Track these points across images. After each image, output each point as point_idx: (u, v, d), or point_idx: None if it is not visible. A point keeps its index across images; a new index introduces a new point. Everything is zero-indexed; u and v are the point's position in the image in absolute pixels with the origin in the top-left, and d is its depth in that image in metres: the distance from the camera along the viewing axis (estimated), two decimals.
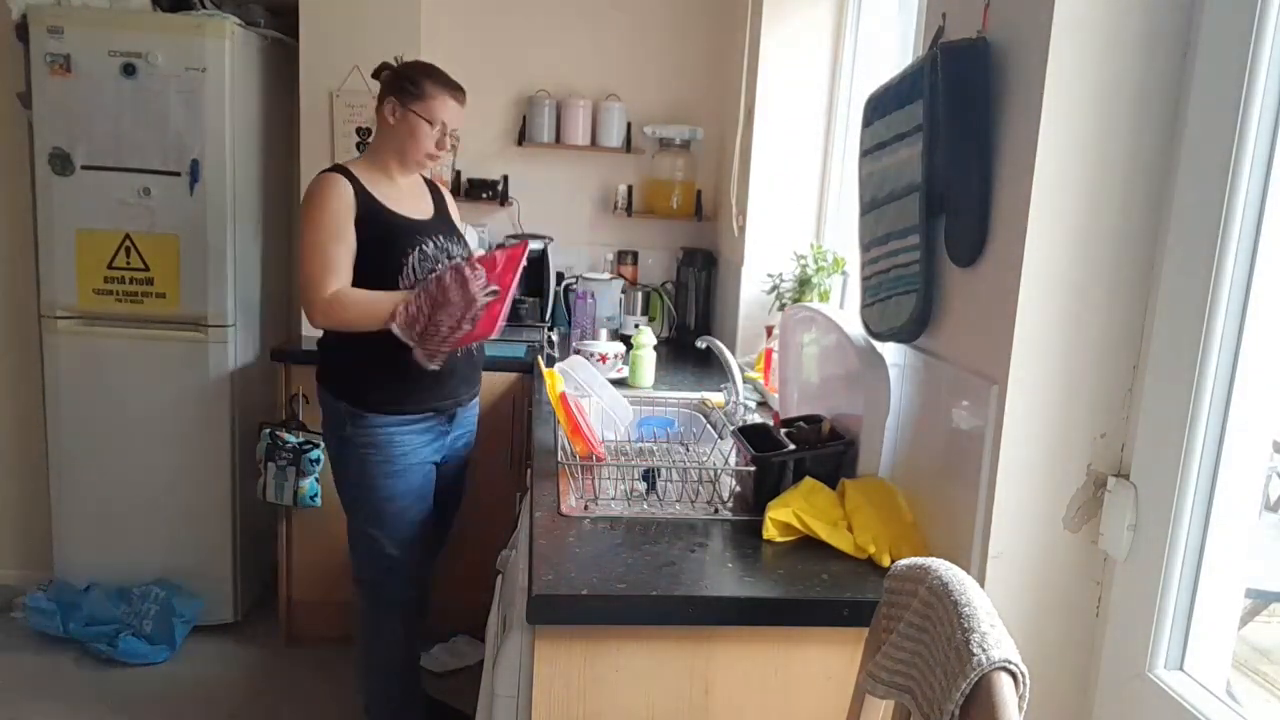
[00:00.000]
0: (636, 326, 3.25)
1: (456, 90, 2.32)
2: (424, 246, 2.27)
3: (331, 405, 2.31)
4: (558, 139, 3.45)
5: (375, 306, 2.17)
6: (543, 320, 3.37)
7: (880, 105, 1.67)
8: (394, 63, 2.38)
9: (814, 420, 1.89)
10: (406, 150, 2.29)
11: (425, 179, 2.48)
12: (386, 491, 2.30)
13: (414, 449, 2.31)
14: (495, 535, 2.45)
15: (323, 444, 2.40)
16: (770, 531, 1.59)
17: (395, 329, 2.13)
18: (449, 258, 2.31)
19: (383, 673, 2.44)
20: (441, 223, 2.40)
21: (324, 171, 2.27)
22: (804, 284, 2.71)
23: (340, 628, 3.04)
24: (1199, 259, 1.20)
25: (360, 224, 2.21)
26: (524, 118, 3.47)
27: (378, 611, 2.42)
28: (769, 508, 1.63)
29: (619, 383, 2.77)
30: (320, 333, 2.32)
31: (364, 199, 2.23)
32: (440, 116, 2.27)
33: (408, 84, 2.27)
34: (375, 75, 2.38)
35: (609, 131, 3.45)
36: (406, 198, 2.35)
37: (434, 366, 2.18)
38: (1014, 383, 1.32)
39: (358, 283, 2.20)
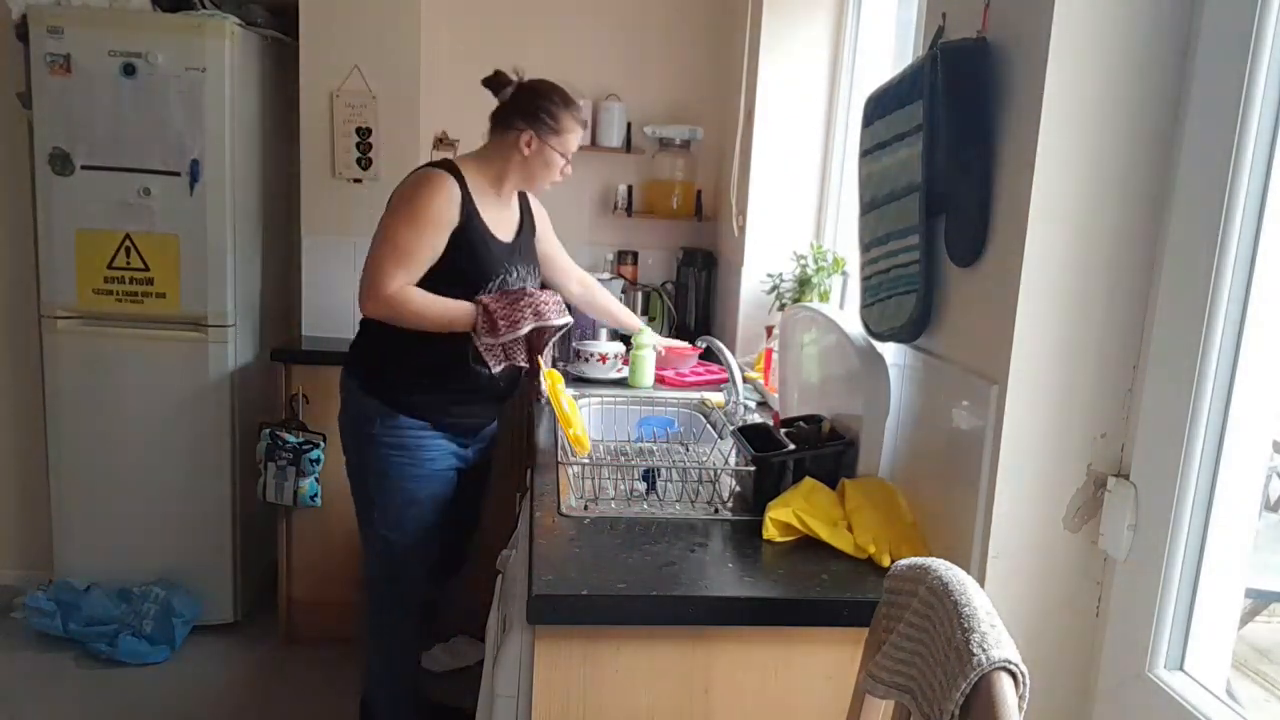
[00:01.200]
0: None
1: (582, 113, 2.33)
2: (507, 276, 2.24)
3: (360, 400, 2.24)
4: None
5: (445, 311, 2.13)
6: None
7: (880, 105, 1.67)
8: (515, 77, 2.30)
9: (814, 420, 1.89)
10: (535, 179, 2.29)
11: (520, 193, 2.43)
12: (408, 495, 2.25)
13: (441, 455, 2.27)
14: (495, 535, 2.46)
15: (342, 439, 2.33)
16: (770, 531, 1.59)
17: (479, 324, 2.13)
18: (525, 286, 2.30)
19: (386, 675, 2.42)
20: (524, 246, 2.36)
21: (435, 167, 2.19)
22: (804, 284, 2.71)
23: (340, 628, 3.05)
24: (1199, 259, 1.20)
25: (457, 236, 2.15)
26: None
27: (384, 615, 2.38)
28: (769, 508, 1.63)
29: (619, 383, 2.77)
30: (357, 321, 2.28)
31: (468, 212, 2.17)
32: (573, 149, 2.29)
33: (548, 119, 2.23)
34: (491, 87, 2.29)
35: (609, 131, 3.44)
36: (504, 214, 2.31)
37: (496, 369, 2.19)
38: (1014, 383, 1.32)
39: (432, 291, 2.15)
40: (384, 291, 2.10)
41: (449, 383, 2.22)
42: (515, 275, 2.27)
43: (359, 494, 2.31)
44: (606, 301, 2.76)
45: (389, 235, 2.13)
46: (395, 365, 2.21)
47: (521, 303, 2.18)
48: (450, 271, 2.16)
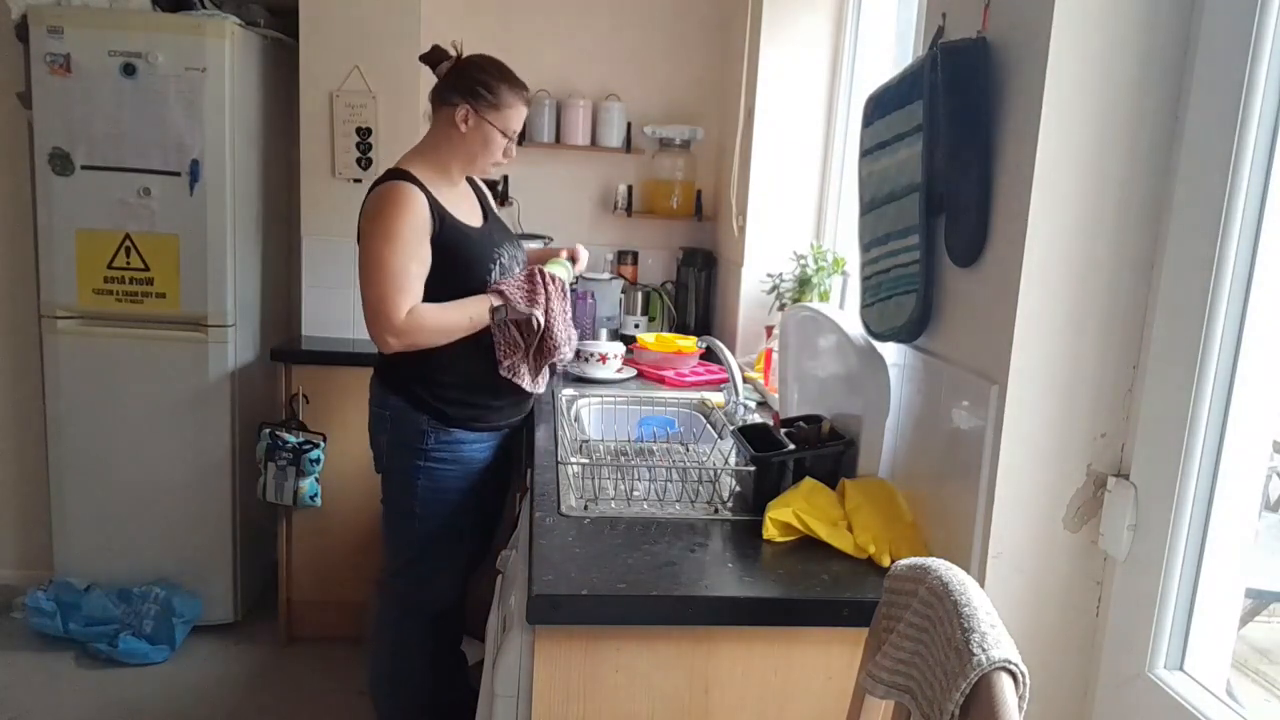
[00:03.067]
0: (636, 326, 3.26)
1: (526, 91, 2.21)
2: (501, 259, 2.19)
3: (410, 418, 2.17)
4: (558, 139, 3.45)
5: (461, 310, 2.09)
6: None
7: (880, 105, 1.67)
8: (454, 51, 2.19)
9: (814, 420, 1.89)
10: (476, 159, 2.19)
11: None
12: (456, 504, 2.22)
13: (484, 460, 2.26)
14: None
15: (383, 457, 2.25)
16: (770, 531, 1.59)
17: (512, 309, 2.11)
18: (518, 264, 2.25)
19: (396, 677, 2.39)
20: (495, 225, 2.30)
21: (392, 179, 2.10)
22: (804, 284, 2.71)
23: (340, 627, 3.05)
24: (1199, 259, 1.20)
25: (437, 241, 2.10)
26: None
27: (404, 618, 2.33)
28: (769, 508, 1.63)
29: (620, 383, 2.77)
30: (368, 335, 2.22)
31: (438, 213, 2.11)
32: (515, 126, 2.18)
33: (484, 91, 2.13)
34: (428, 62, 2.20)
35: (609, 131, 3.45)
36: (464, 202, 2.24)
37: (537, 388, 2.21)
38: (1014, 383, 1.32)
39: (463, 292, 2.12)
40: (396, 324, 2.03)
41: (493, 386, 2.19)
42: (506, 256, 2.22)
43: (398, 505, 2.26)
44: None
45: (375, 263, 2.04)
46: (443, 378, 2.16)
47: (529, 273, 2.18)
48: (445, 277, 2.11)
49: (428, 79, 3.23)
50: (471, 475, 2.25)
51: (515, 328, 2.19)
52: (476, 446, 2.24)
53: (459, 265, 2.13)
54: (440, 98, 2.18)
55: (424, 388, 2.17)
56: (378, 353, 2.18)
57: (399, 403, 2.19)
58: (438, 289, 2.10)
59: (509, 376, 2.18)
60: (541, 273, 2.20)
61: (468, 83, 2.14)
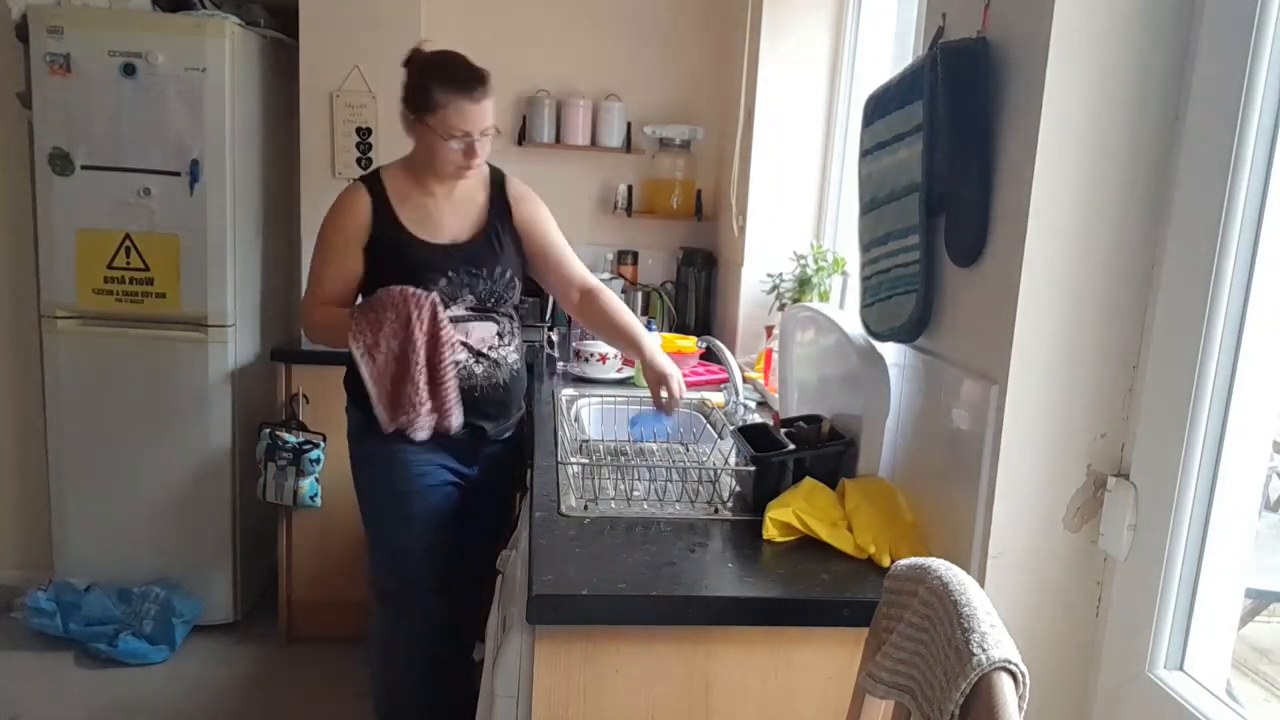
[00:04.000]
0: None
1: (471, 88, 2.00)
2: (446, 280, 2.06)
3: (353, 414, 2.21)
4: (558, 139, 3.45)
5: (331, 321, 2.08)
6: (543, 320, 3.37)
7: (880, 105, 1.67)
8: (421, 50, 2.10)
9: (814, 420, 1.89)
10: (434, 165, 2.06)
11: (495, 179, 2.22)
12: (402, 511, 2.17)
13: (432, 471, 2.16)
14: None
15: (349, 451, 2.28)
16: (770, 531, 1.59)
17: (355, 353, 2.00)
18: (476, 290, 2.11)
19: (380, 680, 2.38)
20: (480, 247, 2.14)
21: (356, 180, 2.15)
22: (804, 284, 2.71)
23: (340, 627, 3.05)
24: (1199, 259, 1.20)
25: (371, 248, 2.07)
26: (524, 118, 3.47)
27: (383, 623, 2.31)
28: (769, 508, 1.63)
29: (619, 383, 2.77)
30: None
31: (381, 220, 2.06)
32: (458, 126, 1.99)
33: (417, 93, 2.01)
34: (406, 66, 2.12)
35: (609, 131, 3.45)
36: (446, 214, 2.13)
37: (419, 434, 2.02)
38: (1014, 383, 1.32)
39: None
40: (305, 314, 2.18)
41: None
42: (459, 280, 2.08)
43: (361, 505, 2.27)
44: (613, 316, 2.25)
45: (315, 253, 2.16)
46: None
47: (383, 301, 1.98)
48: (381, 282, 2.02)
49: None
50: (423, 488, 2.16)
51: (373, 359, 2.00)
52: (419, 458, 2.13)
53: (389, 275, 2.03)
54: (404, 110, 2.11)
55: (360, 385, 2.09)
56: None
57: (348, 399, 2.24)
58: (368, 295, 2.08)
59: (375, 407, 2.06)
60: (412, 298, 1.97)
61: (405, 88, 2.07)
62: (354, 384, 2.15)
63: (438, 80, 2.01)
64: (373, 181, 2.13)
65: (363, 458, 2.22)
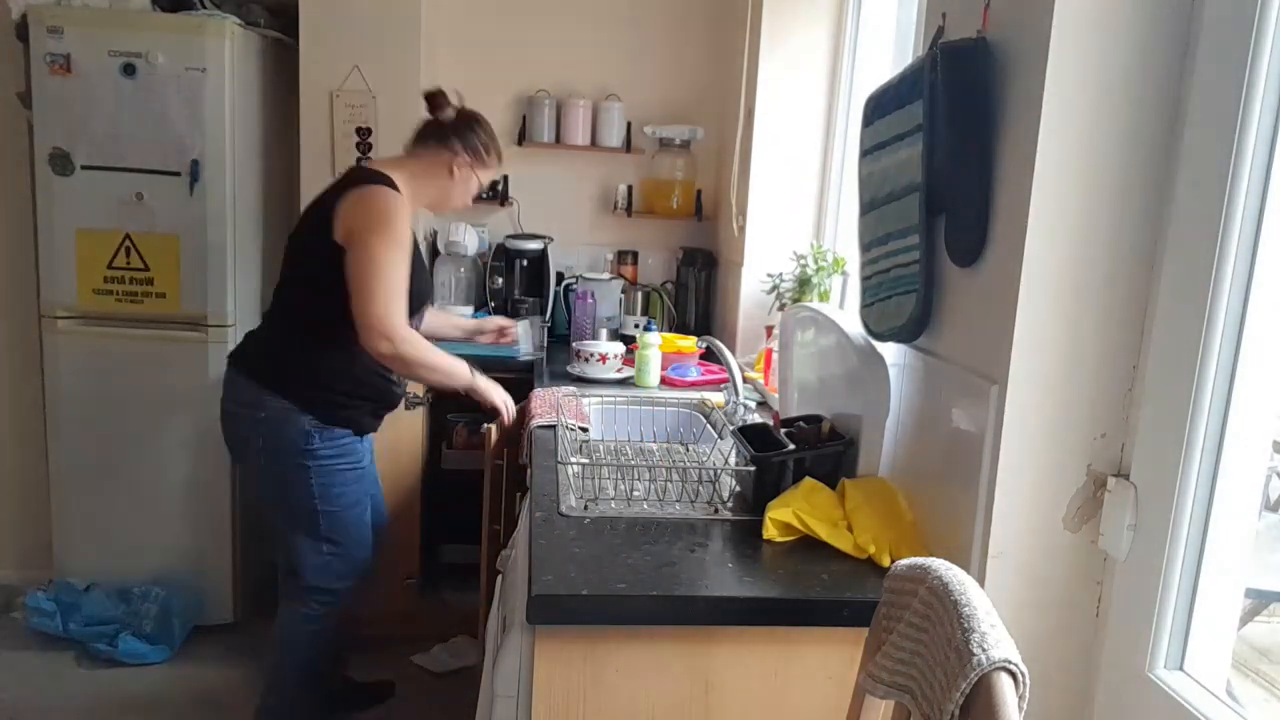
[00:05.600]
0: (636, 326, 3.26)
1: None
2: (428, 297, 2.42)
3: (296, 419, 2.20)
4: (558, 139, 3.45)
5: (449, 366, 2.26)
6: (543, 320, 3.37)
7: (880, 105, 1.67)
8: (456, 102, 2.32)
9: (814, 420, 1.89)
10: (448, 202, 2.34)
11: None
12: (351, 497, 2.32)
13: (364, 453, 2.37)
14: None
15: (265, 458, 2.28)
16: (770, 531, 1.59)
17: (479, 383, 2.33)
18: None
19: (304, 682, 2.44)
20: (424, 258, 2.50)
21: (388, 188, 2.15)
22: (804, 284, 2.71)
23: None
24: (1199, 259, 1.20)
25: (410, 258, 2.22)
26: (524, 118, 3.47)
27: (324, 621, 2.41)
28: (769, 508, 1.63)
29: (620, 383, 2.77)
30: (267, 332, 2.38)
31: (414, 233, 2.24)
32: (491, 179, 2.40)
33: (484, 151, 2.29)
34: (431, 103, 2.30)
35: (609, 131, 3.45)
36: None
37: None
38: (1014, 383, 1.32)
39: None
40: (400, 333, 2.08)
41: (376, 396, 2.32)
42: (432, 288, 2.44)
43: (295, 508, 2.28)
44: (444, 319, 2.75)
45: (382, 265, 2.06)
46: (333, 383, 2.23)
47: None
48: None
49: (428, 79, 3.24)
50: (361, 472, 2.35)
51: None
52: (357, 445, 2.32)
53: (414, 287, 2.20)
54: (439, 141, 2.28)
55: (314, 389, 2.21)
56: (241, 349, 2.39)
57: (280, 403, 2.21)
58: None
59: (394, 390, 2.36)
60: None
61: (473, 140, 2.28)
62: (304, 387, 2.22)
63: (498, 146, 2.36)
64: (396, 190, 2.19)
65: (308, 457, 2.23)
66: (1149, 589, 1.26)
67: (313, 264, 2.20)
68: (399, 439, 2.95)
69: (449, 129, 2.27)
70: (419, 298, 2.29)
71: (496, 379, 2.66)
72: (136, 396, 3.04)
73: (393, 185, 2.17)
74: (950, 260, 1.48)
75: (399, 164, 2.28)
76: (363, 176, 2.20)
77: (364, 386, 2.27)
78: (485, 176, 2.34)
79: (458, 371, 2.28)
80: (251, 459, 2.34)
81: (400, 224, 2.12)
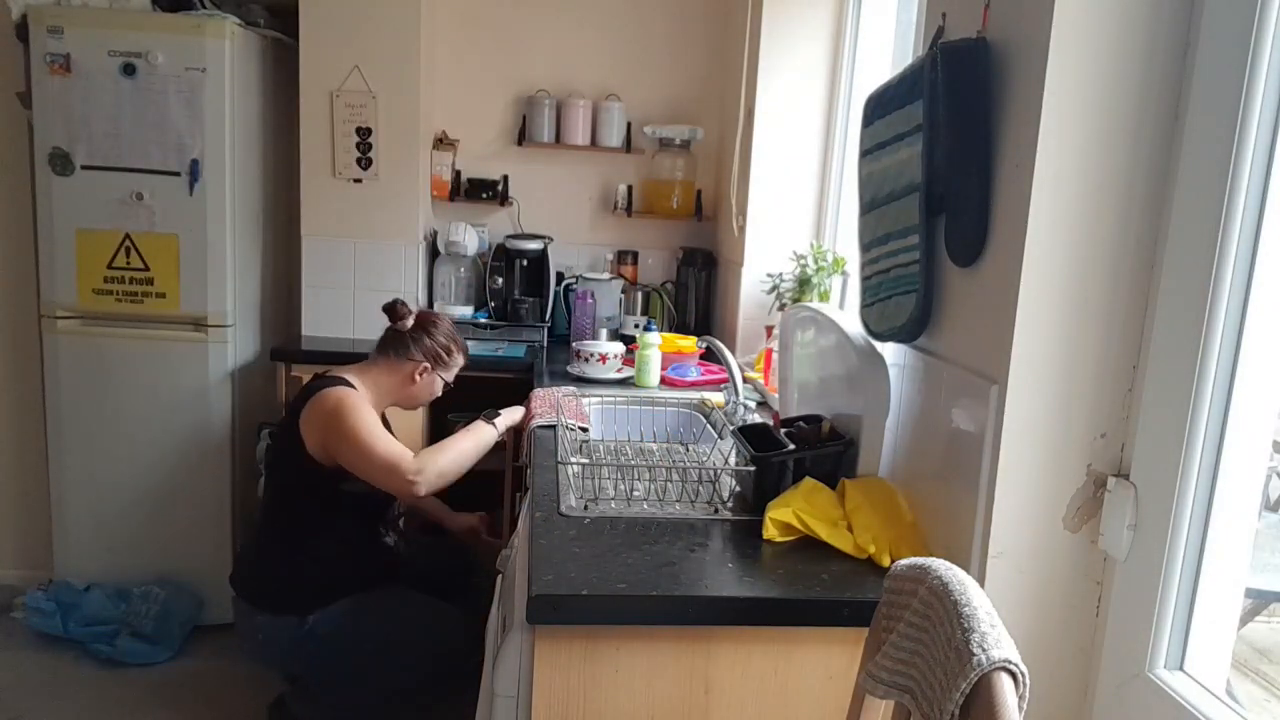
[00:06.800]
0: (636, 326, 3.26)
1: (466, 347, 2.54)
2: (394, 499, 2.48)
3: (294, 623, 2.31)
4: (558, 139, 3.46)
5: (476, 440, 2.33)
6: (543, 320, 3.37)
7: (880, 105, 1.67)
8: (406, 308, 2.43)
9: (814, 420, 1.89)
10: (414, 402, 2.50)
11: None
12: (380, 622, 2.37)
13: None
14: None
15: (288, 657, 2.43)
16: (770, 531, 1.59)
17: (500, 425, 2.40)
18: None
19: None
20: None
21: (342, 385, 2.31)
22: (804, 284, 2.71)
23: None
24: (1199, 259, 1.20)
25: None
26: (524, 118, 3.47)
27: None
28: (769, 508, 1.63)
29: (620, 383, 2.77)
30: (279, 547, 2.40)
31: None
32: (453, 376, 2.50)
33: (444, 355, 2.44)
34: (390, 314, 2.43)
35: (609, 131, 3.45)
36: None
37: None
38: (1014, 383, 1.32)
39: (352, 499, 2.33)
40: (414, 466, 2.20)
41: (361, 565, 2.42)
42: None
43: (346, 668, 2.36)
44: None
45: (365, 441, 2.21)
46: (320, 569, 2.34)
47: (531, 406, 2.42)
48: (352, 492, 2.30)
49: (428, 79, 3.25)
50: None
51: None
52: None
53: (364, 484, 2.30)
54: (400, 350, 2.42)
55: (309, 584, 2.33)
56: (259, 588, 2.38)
57: (287, 617, 2.32)
58: (344, 500, 2.33)
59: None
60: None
61: (432, 348, 2.43)
62: (301, 589, 2.33)
63: (458, 345, 2.50)
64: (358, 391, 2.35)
65: (332, 632, 2.32)
66: (1149, 589, 1.26)
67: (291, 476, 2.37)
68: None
69: (408, 337, 2.42)
70: (370, 502, 2.39)
71: (496, 379, 2.67)
72: (136, 396, 3.04)
73: (348, 385, 2.32)
74: (950, 260, 1.48)
75: (362, 370, 2.43)
76: (318, 385, 2.33)
77: (331, 556, 2.36)
78: (450, 374, 2.49)
79: (485, 439, 2.35)
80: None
81: (353, 405, 2.25)
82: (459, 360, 2.49)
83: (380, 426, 2.27)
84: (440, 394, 2.51)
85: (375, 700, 2.40)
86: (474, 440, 2.33)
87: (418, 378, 2.42)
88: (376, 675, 2.35)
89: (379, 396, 2.40)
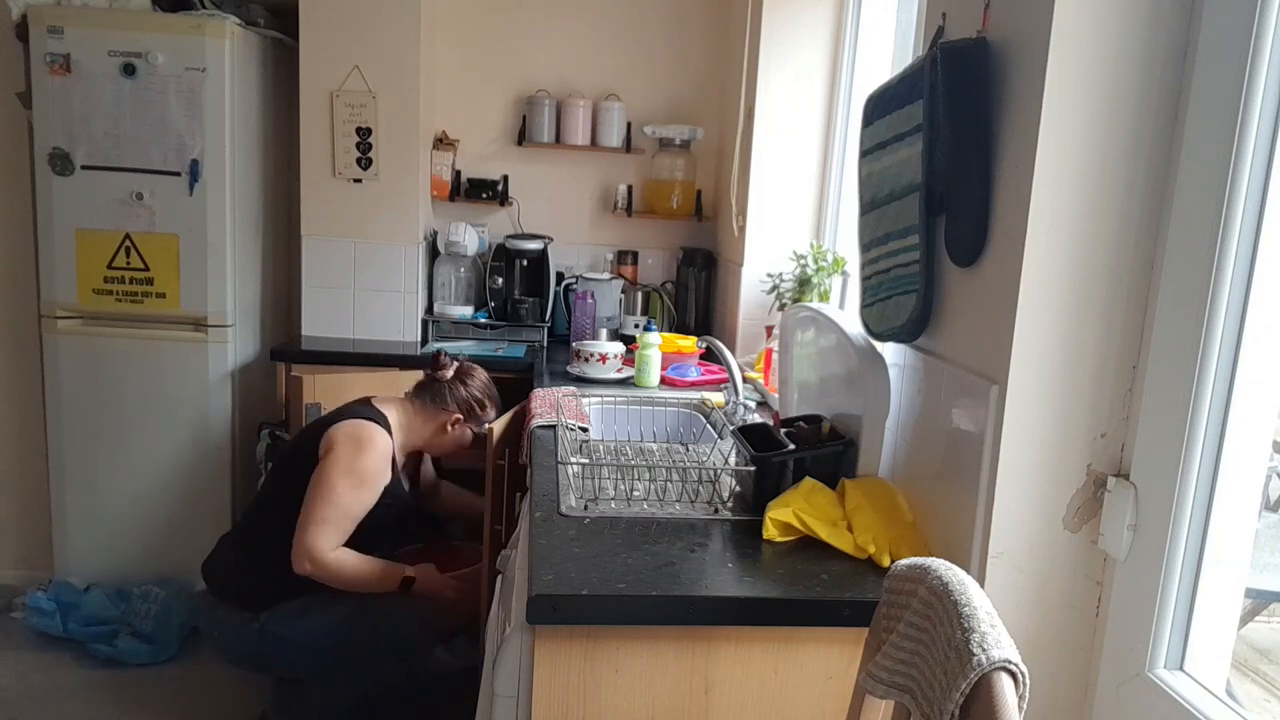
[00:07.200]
0: (636, 326, 3.26)
1: (498, 400, 2.57)
2: (410, 528, 2.57)
3: (248, 619, 2.30)
4: (558, 139, 3.46)
5: (382, 575, 2.31)
6: (543, 320, 3.37)
7: (880, 105, 1.67)
8: (448, 359, 2.50)
9: (814, 420, 1.89)
10: (444, 450, 2.53)
11: None
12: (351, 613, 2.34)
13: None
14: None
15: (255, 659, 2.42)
16: (770, 531, 1.59)
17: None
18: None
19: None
20: (414, 494, 2.59)
21: (372, 419, 2.34)
22: (804, 284, 2.71)
23: None
24: (1199, 259, 1.20)
25: (383, 492, 2.34)
26: (524, 118, 3.47)
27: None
28: (769, 508, 1.63)
29: (620, 383, 2.77)
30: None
31: (393, 470, 2.38)
32: (484, 428, 2.48)
33: (478, 408, 2.49)
34: (434, 364, 2.49)
35: (609, 131, 3.45)
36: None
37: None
38: (1014, 383, 1.32)
39: (359, 539, 2.31)
40: (321, 556, 2.22)
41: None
42: (413, 525, 2.59)
43: (322, 664, 2.35)
44: (456, 496, 2.82)
45: (331, 494, 2.23)
46: (279, 576, 2.29)
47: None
48: (370, 525, 2.31)
49: (428, 79, 3.25)
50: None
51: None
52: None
53: (384, 518, 2.36)
54: (437, 399, 2.48)
55: (262, 586, 2.32)
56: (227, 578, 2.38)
57: (245, 617, 2.31)
58: (360, 531, 2.31)
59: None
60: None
61: (466, 399, 2.49)
62: (260, 591, 2.33)
63: (492, 400, 2.55)
64: (388, 429, 2.38)
65: (293, 631, 2.30)
66: (1149, 589, 1.26)
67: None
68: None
69: (445, 386, 2.48)
70: (382, 527, 2.39)
71: (496, 379, 2.67)
72: (136, 396, 3.04)
73: (384, 423, 2.36)
74: (950, 260, 1.48)
75: (403, 408, 2.47)
76: (364, 412, 2.37)
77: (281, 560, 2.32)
78: (480, 426, 2.50)
79: (388, 580, 2.32)
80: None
81: (367, 458, 2.28)
82: (491, 415, 2.52)
83: (349, 494, 2.26)
84: (469, 444, 2.54)
85: (349, 706, 2.39)
86: (380, 577, 2.31)
87: (450, 428, 2.47)
88: (337, 675, 2.33)
89: (408, 438, 2.45)
